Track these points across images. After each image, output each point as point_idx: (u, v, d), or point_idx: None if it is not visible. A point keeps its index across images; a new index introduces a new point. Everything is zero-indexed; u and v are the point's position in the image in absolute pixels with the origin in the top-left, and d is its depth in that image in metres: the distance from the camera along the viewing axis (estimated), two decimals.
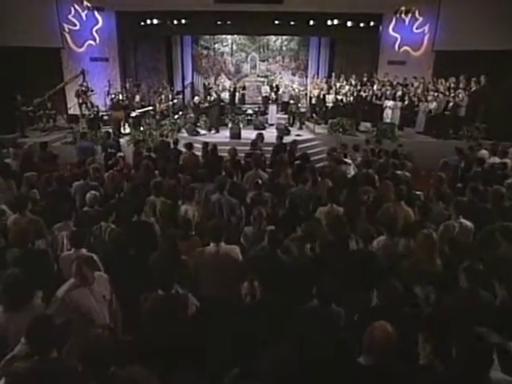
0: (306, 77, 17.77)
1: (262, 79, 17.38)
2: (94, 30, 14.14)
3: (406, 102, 13.31)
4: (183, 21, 14.46)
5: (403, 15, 14.19)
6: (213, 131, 12.82)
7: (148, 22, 14.20)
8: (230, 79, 16.52)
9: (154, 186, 5.09)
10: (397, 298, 2.95)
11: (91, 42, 14.22)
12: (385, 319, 2.47)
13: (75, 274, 3.12)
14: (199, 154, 7.99)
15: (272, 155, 8.04)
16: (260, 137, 9.18)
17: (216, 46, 17.33)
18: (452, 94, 12.26)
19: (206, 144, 8.04)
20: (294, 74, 17.81)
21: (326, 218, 4.72)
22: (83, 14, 13.90)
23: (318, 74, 16.74)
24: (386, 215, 4.83)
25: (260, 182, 5.63)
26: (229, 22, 14.75)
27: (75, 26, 13.93)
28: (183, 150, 7.95)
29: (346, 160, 7.78)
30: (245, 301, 2.99)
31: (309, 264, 3.67)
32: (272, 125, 13.84)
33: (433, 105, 12.60)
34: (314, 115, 13.83)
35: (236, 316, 3.01)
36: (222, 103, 13.96)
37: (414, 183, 6.49)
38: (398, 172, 6.76)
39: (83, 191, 5.25)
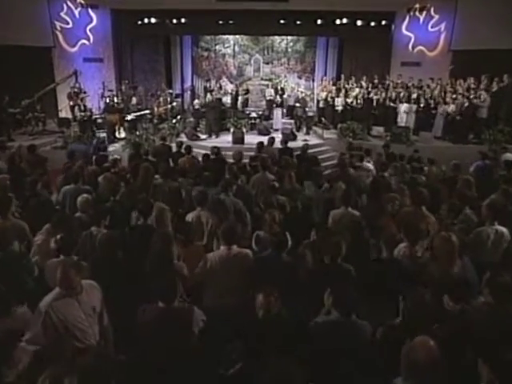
0: (313, 80, 17.72)
1: (266, 82, 17.30)
2: (88, 28, 14.16)
3: (422, 105, 13.17)
4: (183, 20, 14.49)
5: (417, 13, 14.17)
6: (213, 136, 12.77)
7: (145, 21, 14.20)
8: (231, 82, 16.41)
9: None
10: (427, 310, 2.80)
11: (85, 41, 14.22)
12: (415, 334, 2.32)
13: (60, 281, 2.92)
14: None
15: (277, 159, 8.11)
16: (272, 141, 9.24)
17: (217, 47, 17.34)
18: (472, 95, 12.03)
19: (216, 148, 8.16)
20: (300, 77, 17.76)
21: (340, 221, 4.69)
22: (76, 12, 13.90)
23: (325, 75, 16.73)
24: (406, 221, 4.62)
25: (277, 185, 5.65)
26: (231, 22, 14.78)
27: (67, 24, 13.93)
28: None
29: (367, 164, 7.75)
30: (258, 315, 2.86)
31: (323, 271, 3.57)
32: (277, 130, 13.69)
33: (451, 107, 12.40)
34: (322, 119, 13.59)
35: (248, 333, 2.87)
36: (222, 107, 13.91)
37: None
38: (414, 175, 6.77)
39: (75, 196, 5.11)
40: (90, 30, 14.18)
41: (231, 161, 7.57)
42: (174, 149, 8.90)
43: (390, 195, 5.45)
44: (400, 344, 2.34)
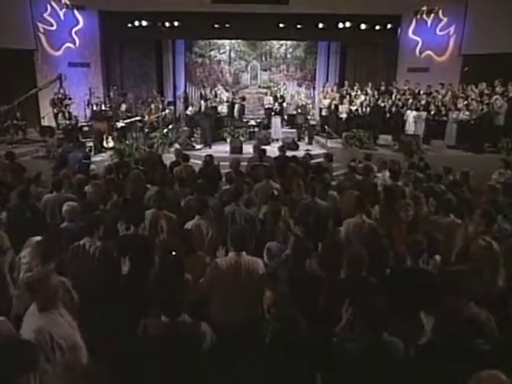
0: (314, 88, 17.77)
1: (264, 90, 17.31)
2: (74, 31, 14.06)
3: (433, 112, 13.11)
4: (176, 23, 14.52)
5: (425, 16, 14.23)
6: (208, 146, 12.71)
7: (136, 23, 14.22)
8: (227, 90, 16.30)
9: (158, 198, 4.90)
10: (462, 326, 2.70)
11: (70, 44, 14.11)
12: (452, 354, 2.29)
13: (36, 291, 2.66)
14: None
15: (278, 167, 7.94)
16: (284, 148, 9.21)
17: (212, 53, 17.36)
18: (486, 101, 11.92)
19: (208, 156, 8.21)
20: (299, 85, 17.77)
21: (354, 230, 4.69)
22: (61, 13, 13.79)
23: (327, 82, 16.77)
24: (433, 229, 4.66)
25: (276, 193, 5.67)
26: (227, 25, 14.78)
27: (51, 25, 13.79)
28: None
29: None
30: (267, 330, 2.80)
31: (341, 282, 3.51)
32: (277, 140, 13.56)
33: (464, 114, 12.28)
34: (326, 127, 13.48)
35: (262, 351, 2.78)
36: (217, 115, 13.85)
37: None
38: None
39: (57, 205, 5.05)
40: (75, 33, 14.06)
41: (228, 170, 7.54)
42: (166, 158, 9.00)
43: (402, 202, 5.45)
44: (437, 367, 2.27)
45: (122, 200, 5.38)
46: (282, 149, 9.20)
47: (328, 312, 3.28)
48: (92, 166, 7.70)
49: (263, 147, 9.53)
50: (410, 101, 13.41)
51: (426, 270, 3.75)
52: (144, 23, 14.23)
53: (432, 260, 4.09)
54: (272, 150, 9.82)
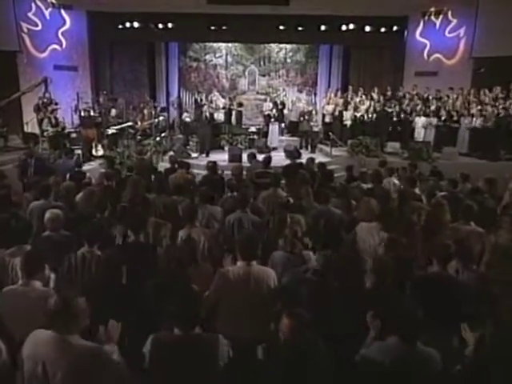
0: (315, 94, 17.74)
1: (263, 97, 17.25)
2: (60, 32, 13.96)
3: (443, 118, 13.04)
4: (169, 25, 14.47)
5: (433, 17, 14.21)
6: (205, 154, 12.67)
7: (127, 25, 14.17)
8: (223, 97, 16.17)
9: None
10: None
11: (56, 46, 14.00)
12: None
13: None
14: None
15: (286, 175, 7.94)
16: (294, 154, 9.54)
17: (207, 57, 17.34)
18: (502, 106, 11.79)
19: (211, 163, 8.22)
20: (300, 91, 17.73)
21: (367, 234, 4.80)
22: (46, 13, 13.67)
23: (329, 87, 16.69)
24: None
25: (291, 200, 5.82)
26: (224, 27, 14.75)
27: (36, 26, 13.63)
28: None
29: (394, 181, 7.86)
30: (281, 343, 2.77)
31: (365, 291, 3.50)
32: (275, 148, 13.51)
33: (478, 119, 12.22)
34: (331, 134, 13.38)
35: (281, 367, 2.71)
36: (214, 121, 13.82)
37: None
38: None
39: (43, 212, 4.85)
40: (62, 34, 13.94)
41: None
42: (160, 167, 9.14)
43: (415, 205, 5.60)
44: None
45: (120, 207, 5.31)
46: (291, 156, 9.62)
47: (354, 327, 3.17)
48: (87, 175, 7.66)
49: (264, 155, 9.42)
50: (419, 106, 13.38)
51: (459, 278, 3.78)
52: (135, 24, 14.19)
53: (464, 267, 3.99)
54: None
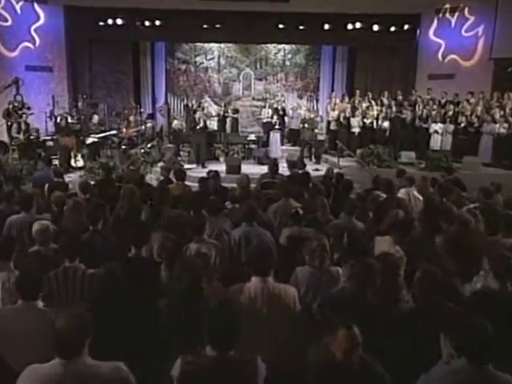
0: (317, 100, 17.77)
1: (259, 103, 17.26)
2: (33, 28, 13.80)
3: (463, 125, 12.96)
4: (157, 22, 14.37)
5: (448, 15, 14.18)
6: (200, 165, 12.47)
7: (109, 21, 14.10)
8: (216, 103, 16.13)
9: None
10: None
11: (28, 44, 13.83)
12: None
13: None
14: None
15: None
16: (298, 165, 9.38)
17: (198, 59, 17.30)
18: None
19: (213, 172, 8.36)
20: (300, 97, 17.72)
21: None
22: (17, 7, 13.51)
23: (332, 93, 16.61)
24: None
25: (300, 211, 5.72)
26: (218, 26, 14.65)
27: (6, 21, 13.44)
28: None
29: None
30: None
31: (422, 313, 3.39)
32: (275, 159, 13.11)
33: (502, 126, 12.22)
34: (338, 143, 13.27)
35: None
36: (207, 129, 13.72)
37: None
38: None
39: (26, 227, 5.04)
40: (35, 31, 13.76)
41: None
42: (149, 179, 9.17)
43: (446, 215, 5.55)
44: None
45: (113, 219, 5.35)
46: (294, 165, 9.35)
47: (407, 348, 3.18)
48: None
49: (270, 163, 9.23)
50: (435, 112, 13.31)
51: None
52: (118, 21, 14.09)
53: None
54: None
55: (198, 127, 12.65)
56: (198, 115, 13.07)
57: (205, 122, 13.22)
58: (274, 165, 8.71)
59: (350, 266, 3.69)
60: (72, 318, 2.46)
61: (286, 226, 5.72)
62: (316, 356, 2.94)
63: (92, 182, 8.05)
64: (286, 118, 15.53)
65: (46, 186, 7.40)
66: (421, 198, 7.29)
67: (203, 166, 12.22)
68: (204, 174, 9.38)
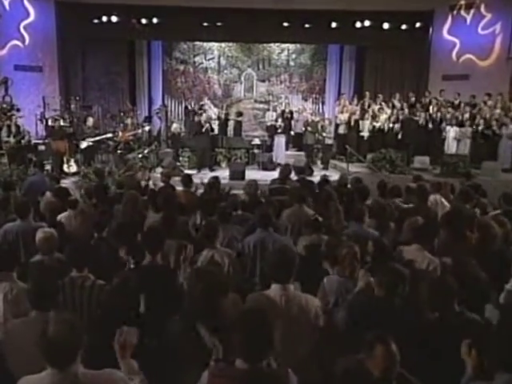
0: (323, 103, 17.81)
1: (262, 105, 17.35)
2: (22, 25, 13.84)
3: (481, 128, 12.92)
4: (154, 20, 14.41)
5: (463, 12, 14.19)
6: (204, 170, 12.47)
7: (103, 19, 14.17)
8: (215, 105, 16.14)
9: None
10: None
11: (17, 42, 13.87)
12: None
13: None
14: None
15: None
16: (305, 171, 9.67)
17: (197, 59, 17.35)
18: None
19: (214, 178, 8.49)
20: (305, 99, 17.78)
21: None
22: (6, 3, 13.58)
23: (338, 95, 16.65)
24: None
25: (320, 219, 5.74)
26: (218, 24, 14.71)
27: None
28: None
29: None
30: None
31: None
32: (280, 164, 13.34)
33: None
34: (348, 147, 13.20)
35: None
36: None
37: None
38: None
39: (23, 236, 5.18)
40: (25, 28, 13.80)
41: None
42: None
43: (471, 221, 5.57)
44: None
45: (118, 226, 5.26)
46: (302, 171, 9.53)
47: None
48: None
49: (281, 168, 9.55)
50: (449, 114, 13.25)
51: None
52: (113, 19, 14.16)
53: None
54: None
55: (203, 130, 12.60)
56: (203, 118, 13.07)
57: (210, 125, 13.23)
58: (286, 170, 8.74)
59: (379, 274, 3.69)
60: (64, 325, 2.43)
61: (301, 233, 5.74)
62: (346, 370, 2.92)
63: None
64: (293, 122, 15.45)
65: (48, 192, 7.46)
66: (448, 205, 7.30)
67: (211, 170, 12.35)
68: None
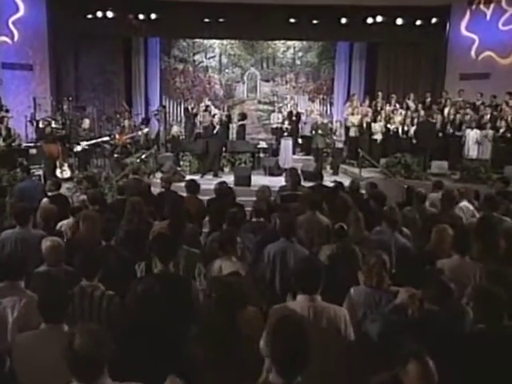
0: (331, 104, 17.85)
1: (266, 107, 17.42)
2: (11, 21, 13.81)
3: (502, 130, 12.88)
4: (153, 15, 14.43)
5: (482, 6, 14.20)
6: (208, 175, 12.47)
7: (98, 14, 14.15)
8: (217, 107, 16.09)
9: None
10: None
11: (5, 38, 13.85)
12: None
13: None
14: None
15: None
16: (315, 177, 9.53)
17: (197, 57, 17.43)
18: None
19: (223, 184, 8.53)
20: (312, 100, 17.83)
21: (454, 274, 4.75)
22: None
23: (347, 96, 16.76)
24: None
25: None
26: (221, 20, 14.71)
27: None
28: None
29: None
30: None
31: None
32: (286, 170, 13.16)
33: None
34: (360, 151, 13.20)
35: None
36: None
37: None
38: None
39: (22, 244, 5.23)
40: (13, 24, 13.76)
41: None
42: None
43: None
44: None
45: (124, 233, 5.51)
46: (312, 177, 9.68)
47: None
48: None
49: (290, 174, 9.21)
50: (468, 116, 13.26)
51: None
52: (109, 14, 14.15)
53: None
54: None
55: (214, 132, 12.57)
56: (216, 119, 13.11)
57: (220, 128, 13.20)
58: (296, 175, 8.72)
59: (424, 287, 3.69)
60: (90, 336, 2.46)
61: (313, 242, 5.84)
62: None
63: (83, 196, 8.07)
64: (300, 124, 15.49)
65: (45, 199, 7.44)
66: (476, 213, 7.27)
67: (216, 176, 12.29)
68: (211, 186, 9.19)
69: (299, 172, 12.10)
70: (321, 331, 3.46)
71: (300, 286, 3.62)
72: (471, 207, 7.58)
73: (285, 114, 15.57)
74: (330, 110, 17.60)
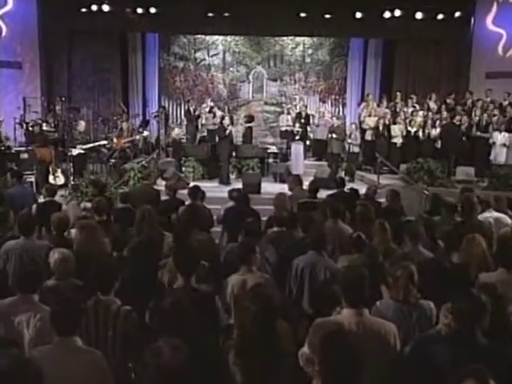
0: (343, 105, 17.91)
1: (273, 108, 17.48)
2: None
3: None
4: (152, 9, 14.51)
5: None
6: (213, 182, 12.52)
7: (93, 8, 14.20)
8: (220, 108, 16.08)
9: None
10: None
11: None
12: None
13: None
14: None
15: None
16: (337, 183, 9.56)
17: (198, 54, 17.50)
18: None
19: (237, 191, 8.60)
20: (323, 101, 17.88)
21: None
22: None
23: (361, 96, 16.87)
24: None
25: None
26: (226, 15, 14.80)
27: None
28: None
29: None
30: None
31: None
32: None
33: None
34: (378, 156, 13.15)
35: None
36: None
37: None
38: None
39: (27, 255, 5.33)
40: (1, 18, 13.85)
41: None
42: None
43: None
44: None
45: (135, 245, 5.58)
46: (340, 183, 9.44)
47: None
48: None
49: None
50: (496, 118, 13.23)
51: None
52: (105, 8, 14.19)
53: None
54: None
55: (225, 135, 12.59)
56: (226, 121, 13.03)
57: (230, 130, 13.27)
58: (314, 182, 8.78)
59: (453, 302, 3.68)
60: (177, 352, 2.60)
61: (334, 253, 5.90)
62: None
63: (89, 204, 8.18)
64: (309, 127, 15.51)
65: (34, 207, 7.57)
66: (509, 222, 7.19)
67: (227, 183, 12.30)
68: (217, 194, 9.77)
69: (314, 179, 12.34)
70: (372, 347, 3.47)
71: (347, 299, 3.65)
72: (502, 216, 7.50)
73: (293, 115, 15.52)
74: (343, 111, 17.65)
